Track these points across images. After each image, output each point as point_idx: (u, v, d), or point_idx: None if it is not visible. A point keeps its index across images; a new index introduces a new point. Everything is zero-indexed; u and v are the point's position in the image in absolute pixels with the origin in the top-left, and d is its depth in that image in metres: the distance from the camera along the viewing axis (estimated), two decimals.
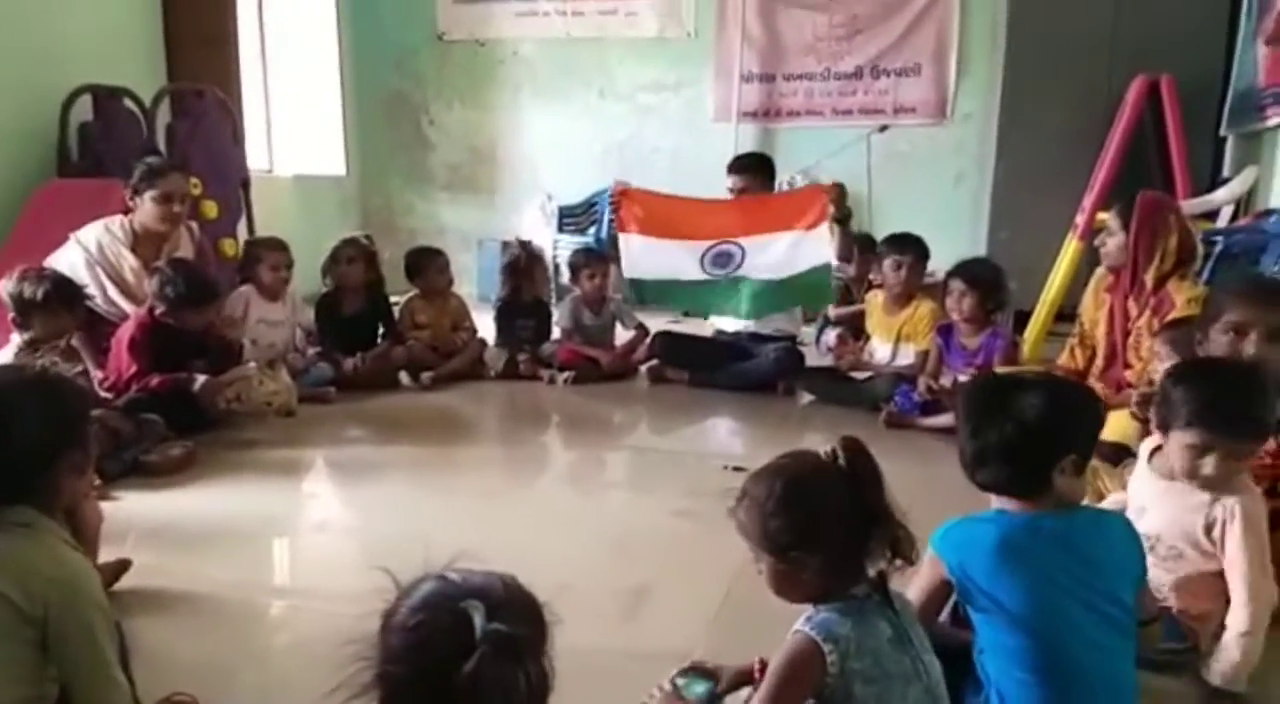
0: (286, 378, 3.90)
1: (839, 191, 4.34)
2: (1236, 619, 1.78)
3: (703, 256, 4.47)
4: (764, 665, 1.63)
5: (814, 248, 4.32)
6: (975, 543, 1.53)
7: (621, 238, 4.61)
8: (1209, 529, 1.82)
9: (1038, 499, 1.55)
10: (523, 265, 4.84)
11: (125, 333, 3.55)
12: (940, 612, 1.65)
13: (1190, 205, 4.56)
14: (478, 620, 0.96)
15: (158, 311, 3.54)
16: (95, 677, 1.40)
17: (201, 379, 3.50)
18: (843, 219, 4.34)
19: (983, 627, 1.54)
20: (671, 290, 4.64)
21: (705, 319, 4.97)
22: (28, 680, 1.37)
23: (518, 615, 1.00)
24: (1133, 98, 5.10)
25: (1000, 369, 3.64)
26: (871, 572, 1.39)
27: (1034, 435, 1.52)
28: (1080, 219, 4.95)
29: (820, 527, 1.35)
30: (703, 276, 4.49)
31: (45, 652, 1.37)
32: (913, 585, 1.59)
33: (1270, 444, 2.17)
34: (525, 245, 5.00)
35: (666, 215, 4.56)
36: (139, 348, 3.49)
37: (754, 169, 4.73)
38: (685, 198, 4.66)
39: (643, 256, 4.55)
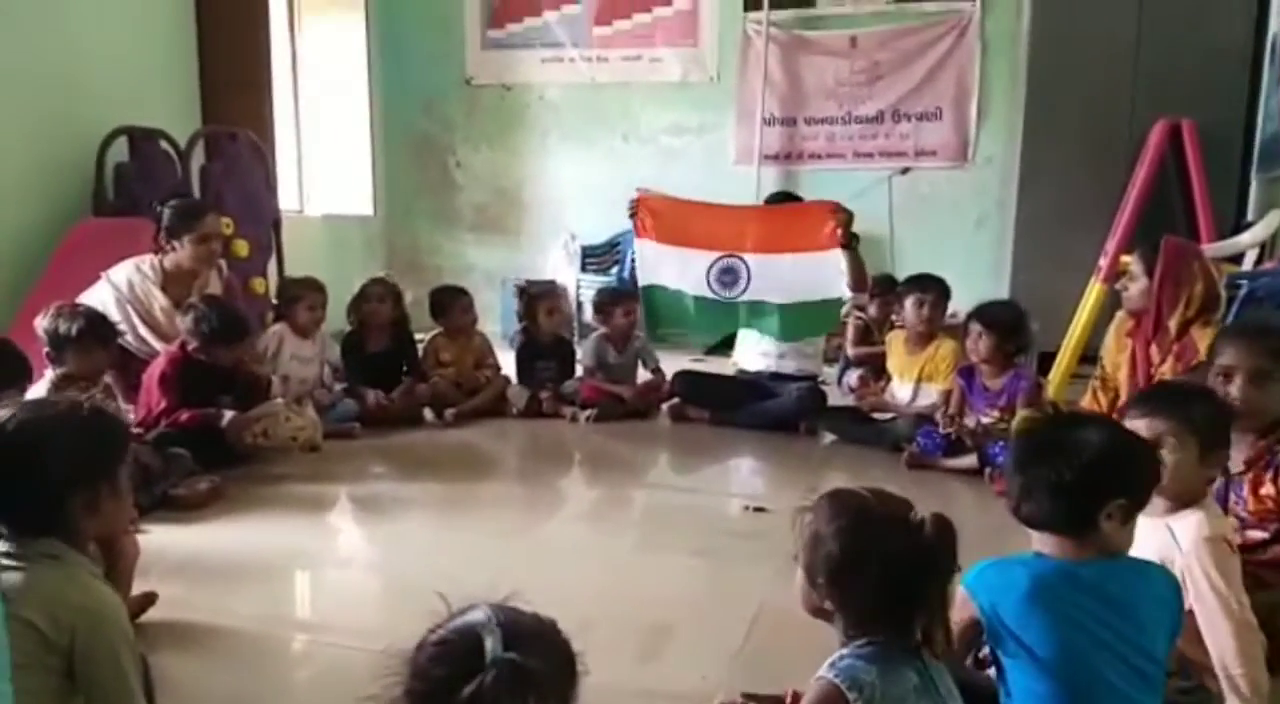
0: (312, 414, 3.95)
1: (846, 216, 4.32)
2: (1225, 661, 1.71)
3: (709, 269, 4.54)
4: (795, 697, 1.62)
5: (826, 275, 4.35)
6: (1008, 585, 1.50)
7: (636, 244, 4.73)
8: (1166, 561, 1.77)
9: (1081, 542, 1.52)
10: (523, 310, 4.88)
11: (156, 368, 3.61)
12: (969, 652, 1.63)
13: (1214, 249, 4.55)
14: (489, 645, 0.98)
15: (190, 347, 3.60)
16: None
17: (229, 415, 3.56)
18: (850, 244, 4.33)
19: (1011, 671, 1.52)
20: (683, 315, 4.67)
21: (716, 343, 4.93)
22: None
23: (538, 652, 1.00)
24: (1154, 141, 5.12)
25: (1022, 411, 3.65)
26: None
27: (1085, 473, 1.49)
28: (1103, 262, 4.95)
29: (860, 576, 1.33)
30: (709, 294, 4.55)
31: (71, 680, 1.39)
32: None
33: (1270, 488, 2.16)
34: (525, 288, 5.03)
35: (678, 220, 4.65)
36: (169, 383, 3.55)
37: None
38: (698, 203, 4.78)
39: (656, 263, 4.64)
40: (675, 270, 4.61)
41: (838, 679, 1.30)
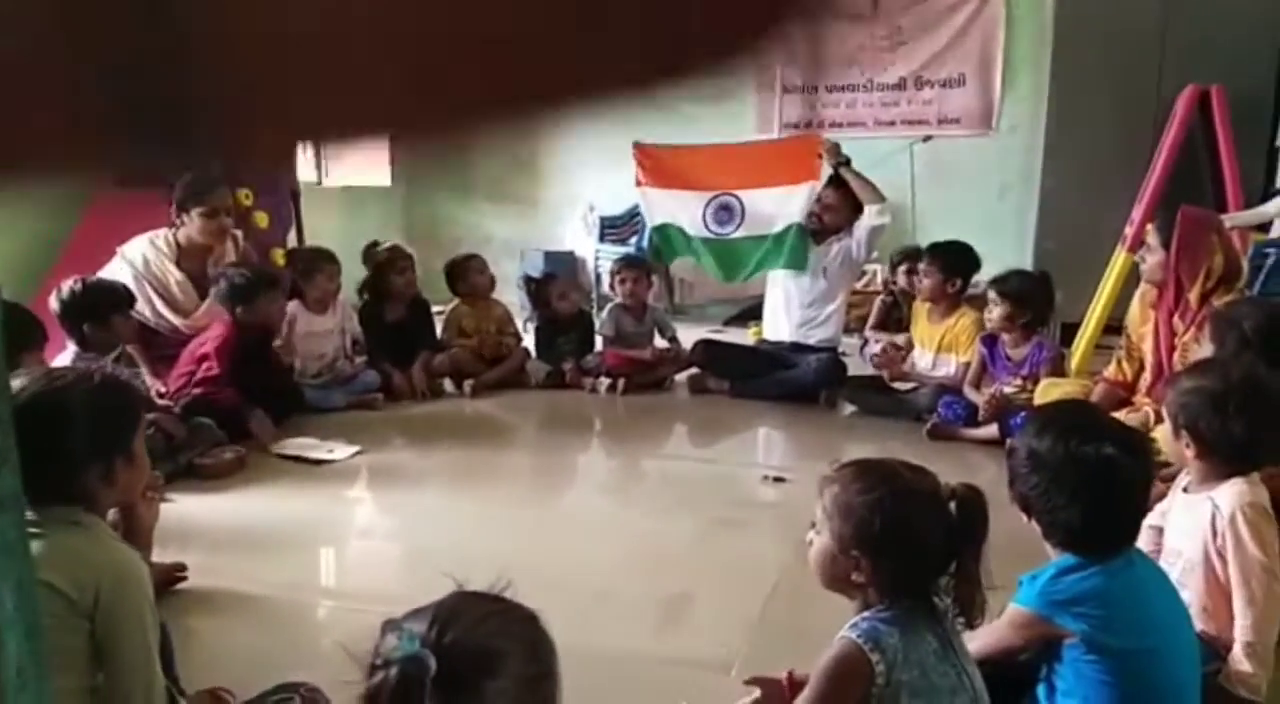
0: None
1: (831, 146, 4.60)
2: (1240, 628, 1.72)
3: (705, 208, 4.84)
4: (791, 679, 1.63)
5: (798, 203, 4.62)
6: (1098, 598, 1.48)
7: (638, 191, 5.03)
8: (1215, 535, 1.77)
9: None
10: (533, 299, 4.91)
11: (212, 340, 3.64)
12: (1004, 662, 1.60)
13: (1241, 217, 4.48)
14: (390, 641, 0.97)
15: (239, 313, 3.65)
16: (135, 663, 1.41)
17: (258, 416, 3.60)
18: (845, 162, 4.54)
19: (1089, 673, 1.49)
20: (691, 250, 4.96)
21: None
22: (79, 670, 1.38)
23: (475, 656, 0.97)
24: (1182, 108, 5.03)
25: (1047, 381, 3.63)
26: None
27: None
28: (1129, 230, 4.88)
29: (892, 546, 1.33)
30: (705, 234, 4.85)
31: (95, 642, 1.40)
32: (992, 638, 1.56)
33: None
34: (530, 278, 5.04)
35: (673, 165, 4.97)
36: (228, 350, 3.60)
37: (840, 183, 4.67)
38: (692, 146, 5.07)
39: (657, 206, 4.96)
40: (676, 212, 4.90)
41: (861, 640, 1.31)
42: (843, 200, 4.56)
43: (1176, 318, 3.18)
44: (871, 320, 5.26)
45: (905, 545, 1.33)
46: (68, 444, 1.45)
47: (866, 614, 1.35)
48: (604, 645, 2.01)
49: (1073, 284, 4.86)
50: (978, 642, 1.54)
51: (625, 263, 4.98)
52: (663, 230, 4.99)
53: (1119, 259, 4.90)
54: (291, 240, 5.23)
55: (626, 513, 3.18)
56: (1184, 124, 5.01)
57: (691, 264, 5.47)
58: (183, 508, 2.89)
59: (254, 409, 3.60)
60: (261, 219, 4.73)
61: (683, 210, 4.90)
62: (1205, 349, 2.65)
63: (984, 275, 4.32)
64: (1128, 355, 3.45)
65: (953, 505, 1.34)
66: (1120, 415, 2.82)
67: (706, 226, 4.85)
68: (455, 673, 0.95)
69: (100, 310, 3.19)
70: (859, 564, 1.36)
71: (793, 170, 4.68)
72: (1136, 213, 4.93)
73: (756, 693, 1.65)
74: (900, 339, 4.69)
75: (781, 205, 4.68)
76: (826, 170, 4.67)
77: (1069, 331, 4.98)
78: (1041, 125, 5.96)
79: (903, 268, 5.22)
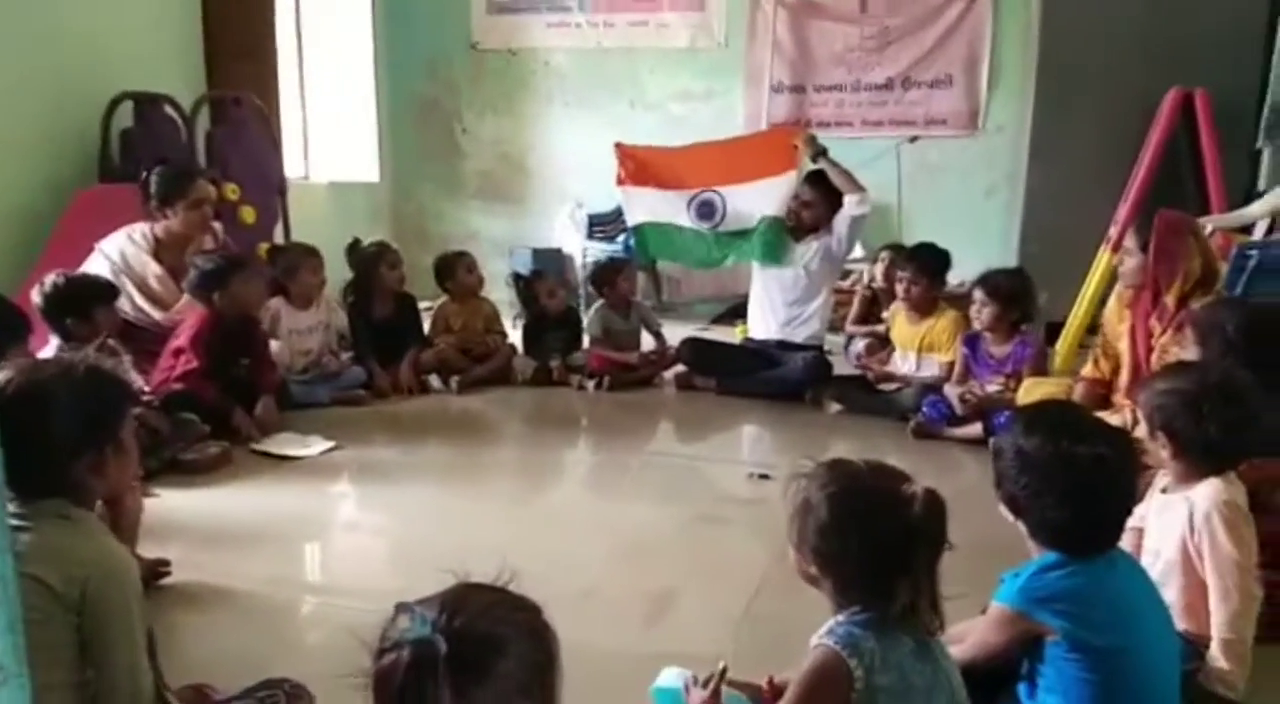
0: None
1: (809, 137, 4.70)
2: (1216, 625, 1.74)
3: (689, 206, 4.88)
4: (771, 684, 1.63)
5: (777, 195, 4.69)
6: (1078, 596, 1.49)
7: (619, 191, 5.06)
8: (1193, 532, 1.79)
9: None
10: (521, 297, 4.93)
11: (188, 331, 3.61)
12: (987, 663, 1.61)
13: (1224, 219, 4.52)
14: (402, 623, 0.98)
15: (215, 299, 3.61)
16: (123, 658, 1.41)
17: (240, 414, 3.57)
18: (822, 152, 4.60)
19: (1069, 670, 1.50)
20: (672, 243, 4.98)
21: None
22: (65, 664, 1.38)
23: (482, 641, 0.99)
24: (1167, 110, 5.07)
25: (1030, 380, 3.65)
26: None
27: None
28: (1113, 231, 4.92)
29: (843, 543, 1.34)
30: (690, 224, 4.89)
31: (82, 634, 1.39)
32: (975, 640, 1.57)
33: None
34: (519, 276, 5.06)
35: (655, 165, 5.02)
36: (202, 342, 3.56)
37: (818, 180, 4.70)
38: (673, 147, 5.16)
39: (639, 204, 4.99)
40: (659, 208, 4.94)
41: (838, 646, 1.31)
42: (820, 196, 4.58)
43: (1154, 320, 3.20)
44: (852, 315, 5.29)
45: (850, 543, 1.33)
46: (56, 435, 1.44)
47: (841, 618, 1.36)
48: (589, 641, 2.00)
49: (1057, 284, 4.90)
50: (961, 646, 1.55)
51: (603, 268, 5.00)
52: (640, 231, 5.01)
53: (1103, 259, 4.94)
54: (279, 236, 5.21)
55: (612, 509, 3.18)
56: (1168, 126, 5.05)
57: (674, 260, 5.53)
58: (167, 503, 2.88)
59: (234, 405, 3.58)
60: (249, 214, 4.72)
61: (665, 206, 4.92)
62: (1189, 352, 2.67)
63: (966, 274, 4.35)
64: (1104, 352, 3.48)
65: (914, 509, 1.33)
66: (1102, 416, 2.84)
67: (691, 221, 4.89)
68: (463, 656, 0.97)
69: (83, 303, 3.18)
70: (812, 559, 1.38)
71: (770, 162, 4.72)
72: (1121, 214, 4.97)
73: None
74: (882, 329, 4.73)
75: (761, 199, 4.71)
76: (806, 162, 4.69)
77: (1053, 331, 5.02)
78: (1027, 126, 6.00)
79: (880, 263, 5.21)
